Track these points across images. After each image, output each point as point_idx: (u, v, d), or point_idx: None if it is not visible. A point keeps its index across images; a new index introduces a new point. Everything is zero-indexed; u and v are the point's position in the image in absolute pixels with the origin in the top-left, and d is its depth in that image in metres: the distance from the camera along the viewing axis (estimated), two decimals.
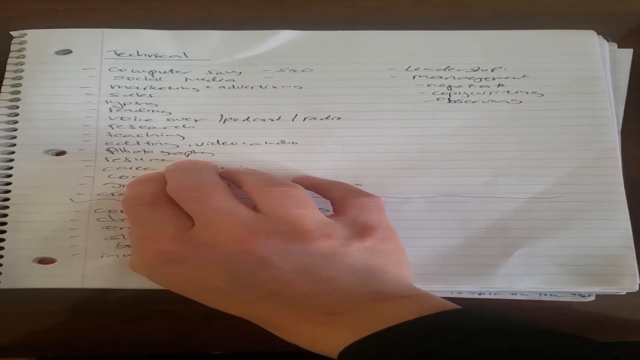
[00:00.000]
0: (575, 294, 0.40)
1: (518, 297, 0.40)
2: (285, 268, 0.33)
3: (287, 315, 0.33)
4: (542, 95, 0.44)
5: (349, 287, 0.33)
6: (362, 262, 0.34)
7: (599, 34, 0.46)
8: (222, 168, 0.42)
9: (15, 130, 0.42)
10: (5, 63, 0.45)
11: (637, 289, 0.39)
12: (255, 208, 0.36)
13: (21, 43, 0.45)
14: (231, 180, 0.39)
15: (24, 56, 0.45)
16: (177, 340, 0.40)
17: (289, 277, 0.33)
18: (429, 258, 0.40)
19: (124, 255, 0.40)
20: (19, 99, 0.43)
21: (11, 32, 0.46)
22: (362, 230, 0.35)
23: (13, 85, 0.44)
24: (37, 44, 0.45)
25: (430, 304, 0.32)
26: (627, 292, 0.39)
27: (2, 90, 0.44)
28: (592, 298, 0.40)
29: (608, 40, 0.46)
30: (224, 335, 0.40)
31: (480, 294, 0.40)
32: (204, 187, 0.36)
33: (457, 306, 0.32)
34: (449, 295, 0.40)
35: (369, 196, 0.38)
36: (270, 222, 0.34)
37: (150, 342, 0.40)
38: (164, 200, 0.37)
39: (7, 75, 0.44)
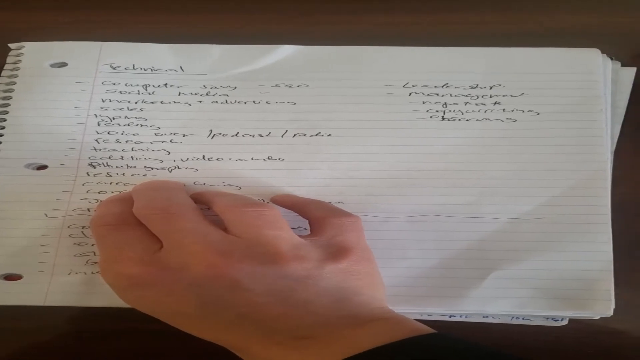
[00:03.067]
0: (548, 318, 0.38)
1: (490, 320, 0.38)
2: (256, 291, 0.31)
3: (258, 339, 0.31)
4: (538, 114, 0.42)
5: (322, 311, 0.31)
6: (335, 284, 0.32)
7: (603, 52, 0.44)
8: (203, 184, 0.40)
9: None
10: None
11: (611, 314, 0.37)
12: (226, 229, 0.34)
13: (18, 55, 0.44)
14: (202, 201, 0.37)
15: (18, 68, 0.44)
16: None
17: (260, 300, 0.31)
18: (402, 279, 0.38)
19: (92, 273, 0.37)
20: (7, 112, 0.42)
21: (9, 45, 0.45)
22: (337, 252, 0.33)
23: (3, 98, 0.43)
24: (33, 56, 0.44)
25: (403, 328, 0.31)
26: (601, 317, 0.37)
27: None
28: (565, 322, 0.38)
29: (612, 59, 0.44)
30: (197, 355, 0.38)
31: (450, 317, 0.38)
32: (172, 207, 0.35)
33: (430, 330, 0.31)
34: (419, 317, 0.38)
35: (348, 216, 0.36)
36: (242, 245, 0.32)
37: None
38: (131, 221, 0.35)
39: None
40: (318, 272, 0.32)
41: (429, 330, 0.31)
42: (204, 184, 0.40)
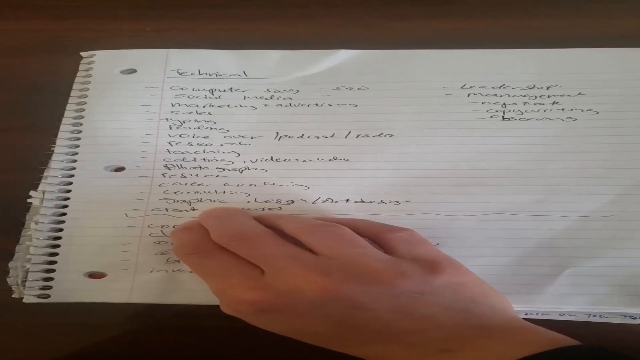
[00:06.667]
0: (625, 316, 0.36)
1: (566, 317, 0.36)
2: (379, 309, 0.30)
3: (399, 352, 0.30)
4: (598, 112, 0.42)
5: (452, 324, 0.30)
6: (449, 297, 0.31)
7: None
8: (272, 184, 0.40)
9: (77, 147, 0.41)
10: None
11: None
12: (308, 250, 0.33)
13: (89, 63, 0.45)
14: (265, 224, 0.36)
15: (90, 75, 0.44)
16: (205, 356, 0.38)
17: (388, 317, 0.30)
18: None
19: (172, 271, 0.37)
20: (82, 117, 0.42)
21: (81, 53, 0.46)
22: (429, 266, 0.32)
23: (78, 104, 0.43)
24: (104, 64, 0.45)
25: (542, 338, 0.29)
26: None
27: (67, 108, 0.43)
28: None
29: None
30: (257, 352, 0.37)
31: (527, 314, 0.36)
32: (248, 232, 0.34)
33: (571, 340, 0.29)
34: None
35: (403, 230, 0.35)
36: (335, 264, 0.31)
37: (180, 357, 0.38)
38: (215, 248, 0.34)
39: (73, 94, 0.44)
40: (428, 287, 0.31)
41: (569, 341, 0.29)
42: (273, 184, 0.40)
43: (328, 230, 0.34)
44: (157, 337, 0.38)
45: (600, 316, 0.36)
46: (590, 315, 0.36)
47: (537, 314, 0.36)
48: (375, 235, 0.35)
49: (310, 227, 0.34)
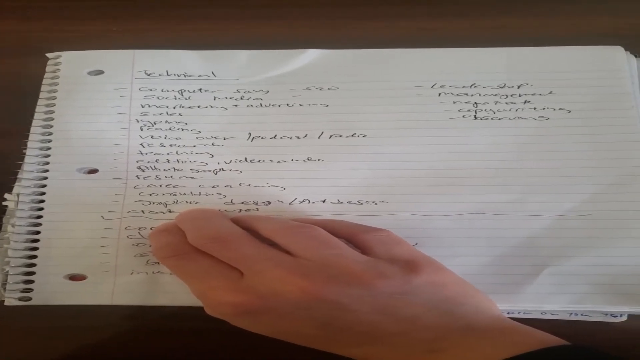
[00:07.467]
0: (606, 314, 0.37)
1: (548, 316, 0.37)
2: (361, 311, 0.31)
3: (385, 353, 0.31)
4: (570, 111, 0.42)
5: (437, 324, 0.31)
6: (430, 297, 0.31)
7: (626, 50, 0.44)
8: (248, 185, 0.41)
9: (49, 149, 0.41)
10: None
11: None
12: (285, 251, 0.34)
13: (56, 64, 0.45)
14: (243, 227, 0.36)
15: (58, 77, 0.44)
16: (204, 357, 0.38)
17: (371, 318, 0.31)
18: None
19: (153, 273, 0.38)
20: (52, 119, 0.42)
21: (47, 54, 0.45)
22: (407, 266, 0.32)
23: (47, 105, 0.43)
24: (71, 65, 0.44)
25: (529, 338, 0.30)
26: None
27: (36, 110, 0.43)
28: (624, 318, 0.37)
29: (636, 56, 0.43)
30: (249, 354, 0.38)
31: (509, 313, 0.37)
32: (225, 234, 0.35)
33: (559, 340, 0.29)
34: None
35: (379, 230, 0.35)
36: (314, 266, 0.32)
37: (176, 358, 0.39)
38: (190, 250, 0.35)
39: (41, 95, 0.43)
40: (408, 287, 0.31)
41: (560, 340, 0.29)
42: (249, 185, 0.40)
43: (303, 232, 0.34)
44: (153, 338, 0.39)
45: (582, 315, 0.37)
46: (571, 314, 0.37)
47: (518, 313, 0.37)
48: (351, 236, 0.35)
49: (286, 229, 0.35)
